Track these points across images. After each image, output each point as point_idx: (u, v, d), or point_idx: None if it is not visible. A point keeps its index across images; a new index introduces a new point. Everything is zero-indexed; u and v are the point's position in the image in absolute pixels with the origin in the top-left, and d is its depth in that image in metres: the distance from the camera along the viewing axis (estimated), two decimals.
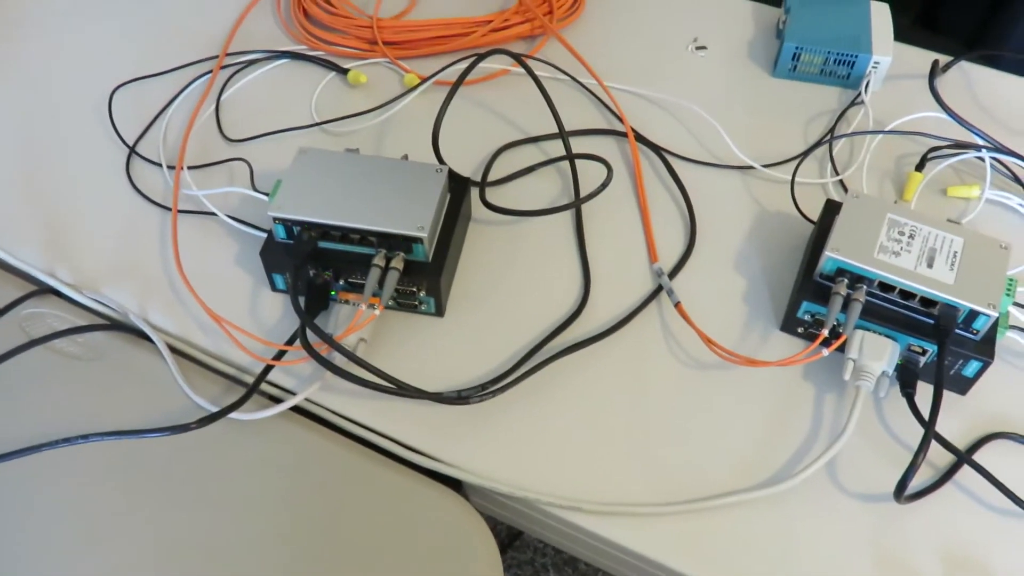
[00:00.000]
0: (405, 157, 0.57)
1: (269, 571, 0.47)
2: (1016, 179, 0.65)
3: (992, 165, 0.65)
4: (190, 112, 0.70)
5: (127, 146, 0.67)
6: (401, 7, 0.80)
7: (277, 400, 0.53)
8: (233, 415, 0.51)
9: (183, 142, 0.67)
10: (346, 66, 0.73)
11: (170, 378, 0.54)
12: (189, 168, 0.65)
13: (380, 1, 0.80)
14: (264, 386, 0.54)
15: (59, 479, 0.50)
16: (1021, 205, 0.63)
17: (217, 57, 0.74)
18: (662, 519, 0.49)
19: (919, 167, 0.64)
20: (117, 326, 0.56)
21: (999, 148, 0.65)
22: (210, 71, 0.73)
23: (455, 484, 0.51)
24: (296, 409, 0.53)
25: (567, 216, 0.63)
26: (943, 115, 0.67)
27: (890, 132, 0.68)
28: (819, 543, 0.48)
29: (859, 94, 0.70)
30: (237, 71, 0.73)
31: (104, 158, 0.67)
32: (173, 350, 0.55)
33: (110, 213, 0.63)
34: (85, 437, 0.50)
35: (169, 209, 0.63)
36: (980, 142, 0.65)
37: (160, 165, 0.66)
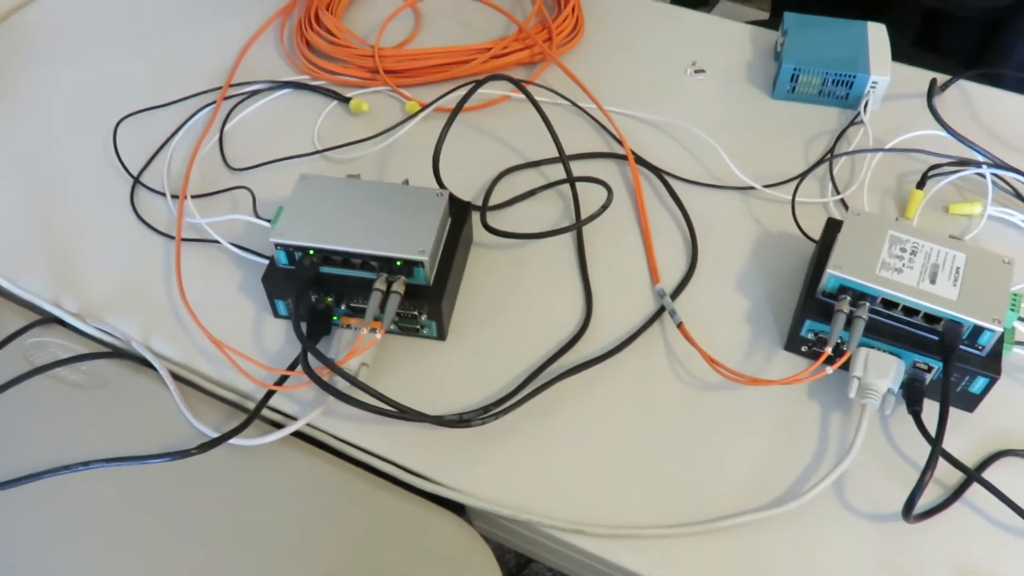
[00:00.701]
0: (406, 182, 0.57)
1: None
2: (1018, 195, 0.65)
3: (993, 181, 0.65)
4: (194, 142, 0.70)
5: (131, 176, 0.68)
6: (402, 36, 0.81)
7: (279, 425, 0.53)
8: (234, 441, 0.51)
9: (187, 171, 0.68)
10: (348, 95, 0.74)
11: (172, 405, 0.53)
12: (193, 197, 0.66)
13: (382, 31, 0.81)
14: (266, 412, 0.54)
15: (61, 506, 0.49)
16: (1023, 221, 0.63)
17: (221, 88, 0.75)
18: (668, 541, 0.48)
19: (920, 185, 0.64)
20: (120, 354, 0.56)
21: (1000, 164, 0.64)
22: (214, 102, 0.73)
23: (458, 508, 0.50)
24: (298, 434, 0.53)
25: (568, 239, 0.63)
26: (943, 133, 0.67)
27: (890, 150, 0.68)
28: (828, 563, 0.47)
29: (858, 114, 0.70)
30: (240, 101, 0.74)
31: (109, 188, 0.67)
32: (176, 377, 0.55)
33: (114, 243, 0.63)
34: (86, 464, 0.50)
35: (172, 238, 0.63)
36: (980, 159, 0.65)
37: (164, 194, 0.66)
